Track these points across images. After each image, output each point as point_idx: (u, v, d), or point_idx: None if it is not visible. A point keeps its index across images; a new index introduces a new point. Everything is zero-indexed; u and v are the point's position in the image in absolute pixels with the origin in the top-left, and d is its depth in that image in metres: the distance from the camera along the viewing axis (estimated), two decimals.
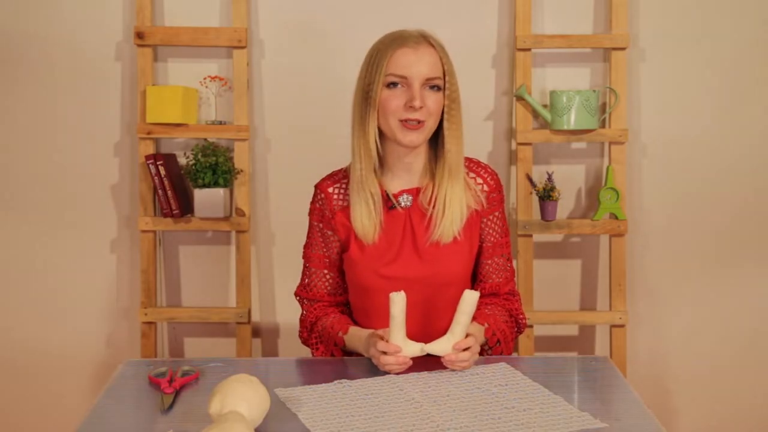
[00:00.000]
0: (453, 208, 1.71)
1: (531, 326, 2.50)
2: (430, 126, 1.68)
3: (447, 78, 1.68)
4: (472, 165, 1.79)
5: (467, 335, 1.57)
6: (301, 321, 1.85)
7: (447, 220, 1.71)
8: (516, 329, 1.82)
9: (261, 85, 2.53)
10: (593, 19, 2.50)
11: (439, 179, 1.72)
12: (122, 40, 2.51)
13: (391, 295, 1.52)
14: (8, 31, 2.50)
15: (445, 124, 1.69)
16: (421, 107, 1.64)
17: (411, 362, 1.55)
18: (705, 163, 2.55)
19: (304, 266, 1.85)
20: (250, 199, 2.52)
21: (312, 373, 1.59)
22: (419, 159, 1.74)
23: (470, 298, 1.55)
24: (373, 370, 1.58)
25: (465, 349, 1.55)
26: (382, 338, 1.57)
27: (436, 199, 1.72)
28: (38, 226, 2.57)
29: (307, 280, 1.84)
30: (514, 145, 2.52)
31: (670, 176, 2.55)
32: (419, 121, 1.65)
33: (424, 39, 1.68)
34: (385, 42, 1.69)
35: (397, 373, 1.55)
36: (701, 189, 2.56)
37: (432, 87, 1.66)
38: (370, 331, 1.66)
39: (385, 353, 1.54)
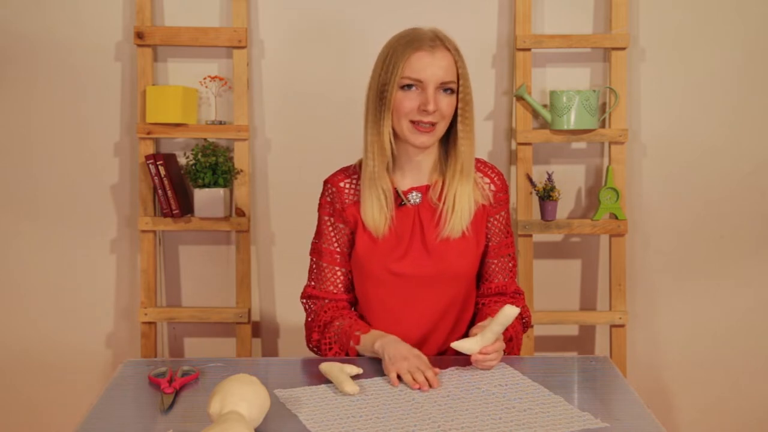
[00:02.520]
0: (462, 205, 1.72)
1: (531, 326, 2.50)
2: (441, 128, 1.69)
3: (461, 81, 1.68)
4: (479, 164, 1.80)
5: (496, 341, 1.59)
6: (310, 323, 1.79)
7: (457, 217, 1.72)
8: (523, 326, 1.83)
9: (261, 85, 2.53)
10: (593, 19, 2.50)
11: (449, 177, 1.73)
12: (122, 40, 2.51)
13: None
14: (8, 32, 2.50)
15: (459, 126, 1.70)
16: (434, 111, 1.65)
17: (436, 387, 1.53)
18: (705, 162, 2.55)
19: (314, 264, 1.82)
20: (250, 199, 2.52)
21: (312, 373, 1.59)
22: (429, 157, 1.75)
23: (510, 312, 1.56)
24: (373, 370, 1.58)
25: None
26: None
27: (446, 196, 1.73)
28: (38, 226, 2.57)
29: (317, 278, 1.80)
30: (514, 145, 2.52)
31: (670, 176, 2.56)
32: (432, 124, 1.67)
33: (440, 42, 1.68)
34: (401, 43, 1.68)
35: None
36: (701, 189, 2.56)
37: (446, 90, 1.67)
38: (388, 339, 1.62)
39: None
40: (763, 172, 2.56)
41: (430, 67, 1.65)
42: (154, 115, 2.41)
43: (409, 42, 1.67)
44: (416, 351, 1.59)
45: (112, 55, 2.51)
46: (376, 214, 1.72)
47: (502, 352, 1.63)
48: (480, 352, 1.56)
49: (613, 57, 2.45)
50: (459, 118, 1.70)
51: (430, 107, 1.64)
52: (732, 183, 2.56)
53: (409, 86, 1.66)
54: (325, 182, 1.81)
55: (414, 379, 1.50)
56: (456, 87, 1.68)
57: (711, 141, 2.54)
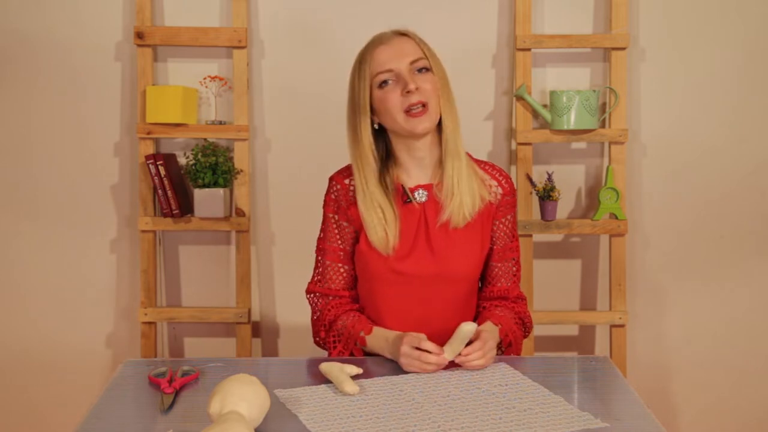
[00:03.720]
0: (462, 188, 1.71)
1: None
2: (434, 107, 1.69)
3: (429, 58, 1.70)
4: (487, 167, 1.81)
5: (480, 334, 1.60)
6: (316, 321, 1.81)
7: (456, 201, 1.71)
8: (524, 332, 1.83)
9: (261, 85, 2.53)
10: (593, 19, 2.50)
11: (444, 163, 1.73)
12: (122, 40, 2.51)
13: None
14: (8, 31, 2.50)
15: (440, 101, 1.71)
16: (416, 89, 1.66)
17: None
18: (705, 162, 2.55)
19: (318, 260, 1.83)
20: (250, 199, 2.52)
21: (312, 373, 1.59)
22: (431, 153, 1.75)
23: (467, 329, 1.56)
24: (373, 371, 1.58)
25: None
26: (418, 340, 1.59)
27: (444, 182, 1.72)
28: (38, 226, 2.57)
29: (321, 274, 1.82)
30: (514, 145, 2.52)
31: (670, 176, 2.55)
32: (423, 105, 1.66)
33: (398, 33, 1.72)
34: (363, 49, 1.74)
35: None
36: (701, 188, 2.56)
37: (420, 69, 1.69)
38: (399, 333, 1.66)
39: (428, 352, 1.56)
40: (763, 172, 2.56)
41: (395, 54, 1.68)
42: (154, 115, 2.41)
43: (369, 43, 1.73)
44: (400, 340, 1.60)
45: (112, 55, 2.51)
46: (379, 231, 1.71)
47: (494, 343, 1.63)
48: (461, 354, 1.56)
49: (613, 57, 2.45)
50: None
51: (411, 86, 1.65)
52: (732, 183, 2.56)
53: (385, 82, 1.68)
54: (331, 179, 1.81)
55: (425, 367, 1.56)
56: (428, 64, 1.70)
57: (711, 141, 2.54)
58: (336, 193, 1.79)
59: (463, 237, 1.73)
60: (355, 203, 1.76)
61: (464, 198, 1.71)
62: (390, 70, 1.67)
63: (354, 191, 1.76)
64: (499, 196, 1.78)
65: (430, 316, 1.74)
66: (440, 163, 1.75)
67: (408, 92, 1.65)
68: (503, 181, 1.79)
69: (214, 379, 1.54)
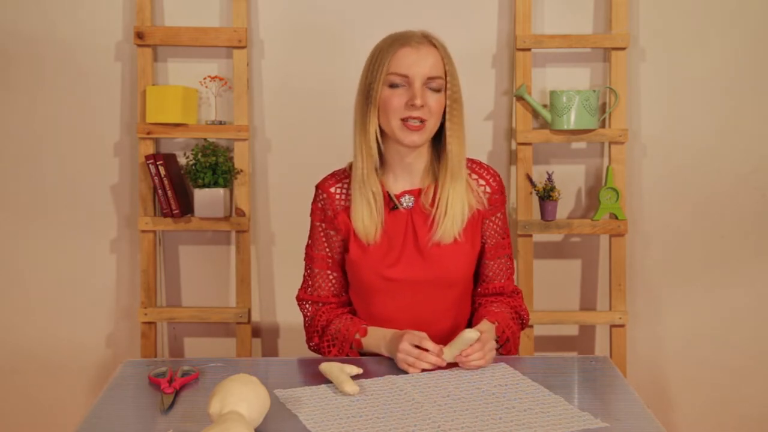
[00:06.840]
0: (455, 209, 1.71)
1: (531, 326, 2.50)
2: (431, 126, 1.68)
3: (448, 78, 1.68)
4: (474, 166, 1.80)
5: (485, 341, 1.60)
6: (308, 327, 1.82)
7: (448, 221, 1.71)
8: (521, 325, 1.83)
9: (261, 85, 2.53)
10: (593, 19, 2.50)
11: (441, 180, 1.73)
12: (122, 40, 2.51)
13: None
14: (8, 32, 2.50)
15: (447, 124, 1.70)
16: (422, 106, 1.64)
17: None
18: (705, 162, 2.55)
19: (307, 268, 1.83)
20: (250, 199, 2.52)
21: (312, 373, 1.59)
22: (421, 159, 1.74)
23: (469, 336, 1.56)
24: (373, 370, 1.58)
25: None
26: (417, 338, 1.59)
27: (438, 200, 1.72)
28: (38, 226, 2.57)
29: (310, 282, 1.82)
30: (514, 145, 2.52)
31: (670, 176, 2.56)
32: (421, 120, 1.66)
33: (426, 39, 1.69)
34: (387, 41, 1.70)
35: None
36: (701, 189, 2.56)
37: (433, 87, 1.67)
38: (397, 330, 1.65)
39: (425, 351, 1.56)
40: (762, 172, 2.56)
41: (417, 63, 1.65)
42: (154, 115, 2.41)
43: (395, 40, 1.68)
44: (400, 336, 1.60)
45: (112, 55, 2.51)
46: (366, 219, 1.71)
47: (494, 343, 1.63)
48: (461, 354, 1.56)
49: (613, 57, 2.45)
50: (447, 117, 1.69)
51: (418, 101, 1.63)
52: (732, 183, 2.56)
53: (396, 84, 1.66)
54: (317, 187, 1.81)
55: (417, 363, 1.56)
56: (444, 84, 1.68)
57: (711, 141, 2.54)
58: (323, 202, 1.78)
59: (450, 242, 1.73)
60: (342, 211, 1.75)
61: (456, 219, 1.71)
62: (406, 77, 1.65)
63: (340, 198, 1.76)
64: (486, 198, 1.77)
65: (425, 320, 1.73)
66: (429, 169, 1.75)
67: (413, 105, 1.64)
68: (491, 180, 1.79)
69: (214, 379, 1.54)
